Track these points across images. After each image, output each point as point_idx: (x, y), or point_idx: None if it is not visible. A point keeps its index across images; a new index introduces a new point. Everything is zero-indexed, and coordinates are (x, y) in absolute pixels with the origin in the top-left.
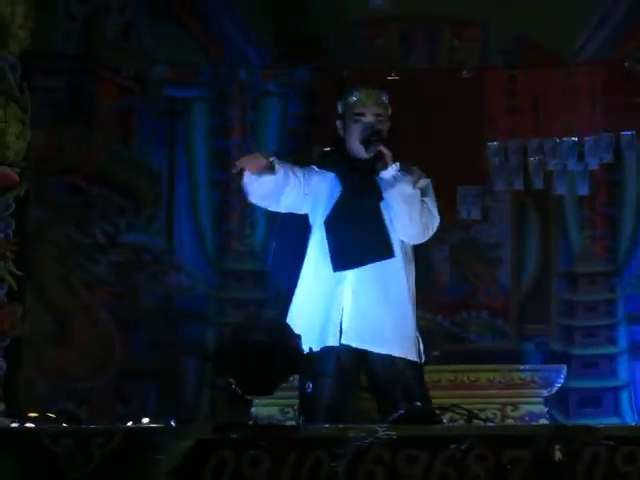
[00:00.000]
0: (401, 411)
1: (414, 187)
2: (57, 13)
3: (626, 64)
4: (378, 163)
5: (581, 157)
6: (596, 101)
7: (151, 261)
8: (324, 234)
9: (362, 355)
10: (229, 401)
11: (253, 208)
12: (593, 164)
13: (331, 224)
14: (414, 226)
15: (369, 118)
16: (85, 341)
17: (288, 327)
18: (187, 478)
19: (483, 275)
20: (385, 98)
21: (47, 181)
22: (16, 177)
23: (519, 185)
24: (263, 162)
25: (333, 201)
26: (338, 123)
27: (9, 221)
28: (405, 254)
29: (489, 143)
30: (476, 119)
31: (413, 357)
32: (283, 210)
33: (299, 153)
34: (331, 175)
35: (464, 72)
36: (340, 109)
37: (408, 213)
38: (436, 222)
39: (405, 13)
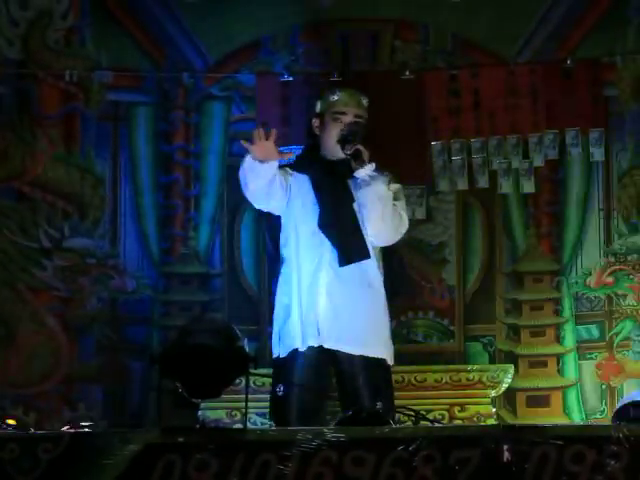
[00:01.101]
0: (349, 412)
1: (388, 188)
2: None
3: (567, 63)
4: (356, 161)
5: (525, 155)
6: (538, 100)
7: (96, 265)
8: (297, 234)
9: (332, 356)
10: (175, 404)
11: (196, 211)
12: (538, 161)
13: (323, 225)
14: (386, 226)
15: (349, 118)
16: (32, 346)
17: (233, 329)
18: None
19: (428, 275)
20: (365, 100)
21: None
22: None
23: (463, 185)
24: (274, 152)
25: (306, 203)
26: (314, 121)
27: None
28: (376, 256)
29: (432, 143)
30: (419, 119)
31: (386, 357)
32: (266, 209)
33: None
34: (304, 177)
35: (406, 73)
36: (319, 107)
37: (381, 212)
38: (404, 227)
39: (345, 15)
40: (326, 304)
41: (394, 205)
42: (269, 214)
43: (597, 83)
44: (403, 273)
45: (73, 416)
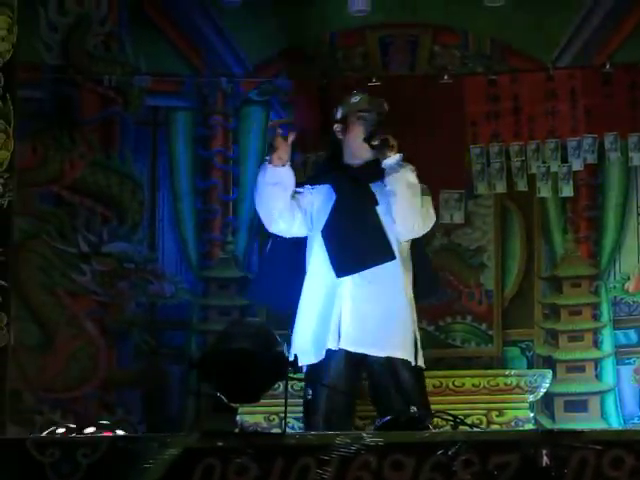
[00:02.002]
0: (388, 417)
1: (416, 177)
2: (38, 24)
3: (606, 68)
4: (384, 149)
5: (564, 159)
6: (577, 104)
7: (134, 270)
8: (322, 244)
9: (361, 359)
10: (214, 409)
11: (234, 216)
12: (577, 165)
13: (328, 232)
14: (414, 215)
15: (373, 117)
16: (70, 351)
17: (272, 333)
18: None
19: (466, 280)
20: (387, 106)
21: (31, 191)
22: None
23: (502, 188)
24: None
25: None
26: (336, 127)
27: None
28: (402, 257)
29: (471, 147)
30: (457, 124)
31: (412, 359)
32: (277, 230)
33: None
34: (325, 187)
35: (445, 77)
36: (340, 112)
37: (410, 200)
38: (432, 221)
39: (384, 21)
40: (350, 307)
41: (422, 195)
42: None
43: (636, 87)
44: (441, 277)
45: (111, 420)
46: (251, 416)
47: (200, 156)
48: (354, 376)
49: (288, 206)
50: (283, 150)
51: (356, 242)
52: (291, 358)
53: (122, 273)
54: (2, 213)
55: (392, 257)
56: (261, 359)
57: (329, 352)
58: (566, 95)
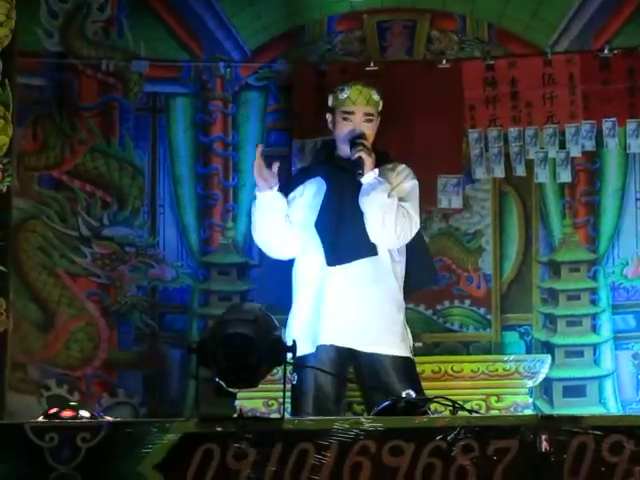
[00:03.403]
0: (386, 402)
1: (390, 195)
2: (38, 10)
3: (604, 53)
4: (356, 169)
5: (562, 145)
6: (575, 90)
7: (135, 254)
8: (314, 235)
9: (349, 352)
10: (213, 393)
11: (235, 202)
12: (575, 152)
13: (320, 224)
14: (387, 233)
15: (358, 118)
16: (71, 331)
17: (271, 318)
18: (173, 471)
19: (465, 264)
20: (376, 96)
21: (31, 176)
22: None
23: (500, 173)
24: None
25: (317, 204)
26: (328, 116)
27: None
28: (391, 251)
29: (469, 131)
30: (455, 109)
31: (401, 353)
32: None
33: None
34: (317, 178)
35: (443, 62)
36: (330, 102)
37: (381, 220)
38: (415, 228)
39: (382, 5)
40: (336, 301)
41: (401, 207)
42: None
43: (634, 73)
44: (439, 262)
45: (112, 402)
46: (250, 401)
47: (200, 142)
48: (342, 367)
49: (286, 230)
50: (266, 173)
51: (344, 234)
52: (289, 343)
53: (123, 257)
54: (1, 198)
55: (374, 252)
56: (260, 344)
57: (319, 346)
58: (564, 80)
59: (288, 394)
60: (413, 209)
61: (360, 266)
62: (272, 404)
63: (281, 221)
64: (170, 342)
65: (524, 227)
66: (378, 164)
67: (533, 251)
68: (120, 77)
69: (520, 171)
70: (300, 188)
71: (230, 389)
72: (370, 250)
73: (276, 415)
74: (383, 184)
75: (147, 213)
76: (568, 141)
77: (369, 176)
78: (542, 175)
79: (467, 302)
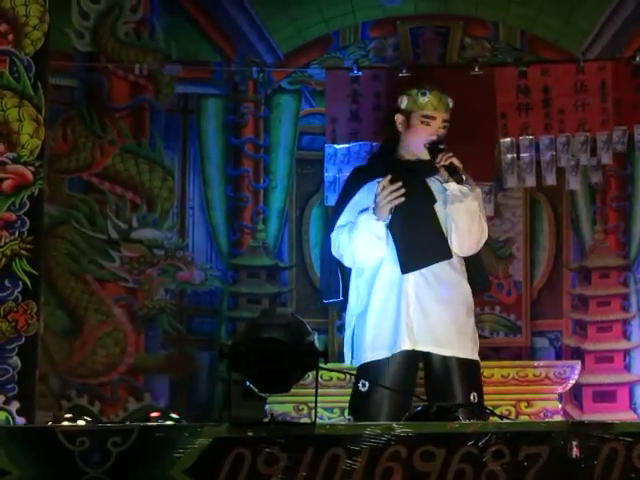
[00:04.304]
0: (419, 408)
1: (478, 204)
2: (69, 11)
3: (636, 60)
4: (452, 175)
5: (593, 152)
6: (607, 97)
7: (164, 256)
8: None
9: (424, 357)
10: (244, 398)
11: (265, 204)
12: (606, 159)
13: (392, 230)
14: (471, 241)
15: (437, 123)
16: (98, 336)
17: (303, 323)
18: (204, 476)
19: (495, 271)
20: (452, 104)
21: (61, 179)
22: (30, 176)
23: (531, 182)
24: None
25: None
26: (398, 117)
27: (24, 220)
28: (459, 255)
29: (501, 140)
30: (488, 116)
31: (471, 356)
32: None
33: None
34: (380, 180)
35: (475, 69)
36: (404, 104)
37: (469, 228)
38: (485, 237)
39: (415, 12)
40: (416, 306)
41: (479, 218)
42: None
43: None
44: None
45: (138, 407)
46: (280, 405)
47: (231, 144)
48: (414, 374)
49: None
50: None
51: (417, 239)
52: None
53: (151, 260)
54: (33, 201)
55: (450, 255)
56: (292, 349)
57: (401, 351)
58: (596, 88)
59: (319, 399)
60: (483, 217)
61: (435, 269)
62: (302, 409)
63: (385, 245)
64: (198, 345)
65: (555, 234)
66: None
67: (564, 258)
68: (151, 78)
69: (550, 180)
70: (364, 190)
71: (261, 394)
72: (445, 254)
73: (306, 420)
74: (472, 192)
75: (176, 215)
76: (600, 148)
77: (459, 185)
78: (573, 182)
79: (497, 309)
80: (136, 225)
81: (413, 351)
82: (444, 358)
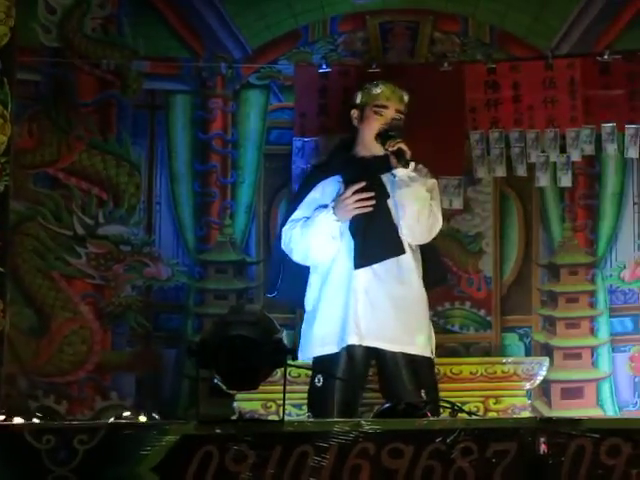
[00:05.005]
0: (387, 404)
1: (427, 190)
2: (36, 6)
3: (604, 57)
4: (398, 160)
5: (562, 149)
6: (576, 94)
7: (130, 253)
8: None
9: (373, 352)
10: (211, 395)
11: (233, 199)
12: (575, 156)
13: (348, 226)
14: (420, 227)
15: (391, 113)
16: (65, 335)
17: (272, 321)
18: (172, 474)
19: (465, 266)
20: (406, 97)
21: (26, 174)
22: None
23: (502, 172)
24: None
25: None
26: (353, 112)
27: None
28: (413, 251)
29: (471, 132)
30: (457, 111)
31: (425, 353)
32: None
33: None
34: (336, 178)
35: (445, 65)
36: (359, 99)
37: (417, 214)
38: (439, 226)
39: (385, 7)
40: (365, 302)
41: (430, 205)
42: None
43: (635, 78)
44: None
45: (105, 405)
46: (248, 403)
47: (199, 139)
48: (365, 367)
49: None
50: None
51: (370, 235)
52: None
53: (118, 256)
54: None
55: (402, 251)
56: (261, 346)
57: (348, 345)
58: (565, 85)
59: (287, 395)
60: (437, 207)
61: (387, 266)
62: (270, 406)
63: (338, 244)
64: (165, 342)
65: (524, 230)
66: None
67: (533, 254)
68: (119, 74)
69: (521, 171)
70: (319, 188)
71: (230, 391)
72: (397, 250)
73: (274, 417)
74: (420, 177)
75: (143, 211)
76: (569, 145)
77: (407, 170)
78: (543, 179)
79: (467, 304)
80: (102, 221)
81: (361, 347)
82: (394, 354)
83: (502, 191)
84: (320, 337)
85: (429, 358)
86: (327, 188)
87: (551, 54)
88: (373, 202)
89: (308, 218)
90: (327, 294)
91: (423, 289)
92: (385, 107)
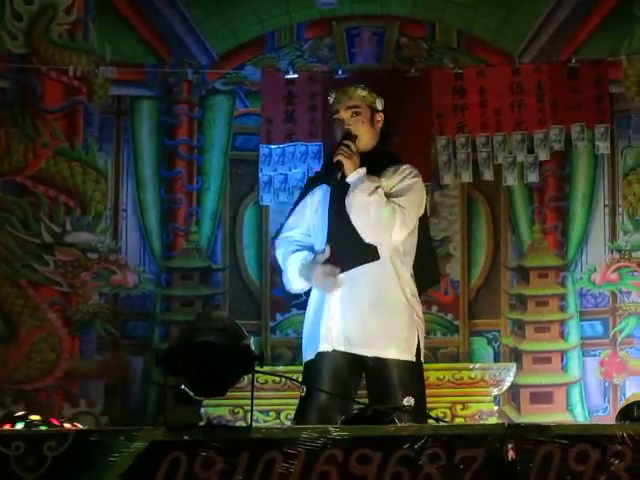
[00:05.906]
0: (355, 411)
1: (372, 193)
2: (2, 13)
3: (572, 62)
4: (334, 174)
5: (530, 150)
6: (544, 97)
7: (97, 260)
8: (321, 242)
9: (356, 358)
10: (178, 401)
11: (198, 205)
12: (543, 156)
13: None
14: (371, 231)
15: (343, 114)
16: (33, 342)
17: (239, 327)
18: None
19: None
20: (362, 91)
21: None
22: None
23: (468, 178)
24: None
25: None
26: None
27: None
28: (397, 254)
29: (437, 138)
30: (424, 117)
31: (404, 357)
32: None
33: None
34: (322, 186)
35: (412, 71)
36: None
37: (364, 219)
38: (410, 221)
39: (352, 12)
40: (339, 309)
41: (391, 203)
42: None
43: (602, 81)
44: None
45: (74, 412)
46: (216, 409)
47: (165, 145)
48: (350, 376)
49: None
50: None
51: (344, 242)
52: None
53: (85, 263)
54: None
55: (375, 257)
56: (228, 353)
57: (323, 353)
58: (532, 89)
59: (256, 401)
60: (406, 203)
61: (361, 272)
62: (238, 412)
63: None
64: (132, 350)
65: (492, 233)
66: (385, 165)
67: (502, 257)
68: (85, 80)
69: (488, 175)
70: (307, 198)
71: (197, 397)
72: (370, 256)
73: (242, 423)
74: (364, 183)
75: (110, 218)
76: (536, 146)
77: (353, 177)
78: (510, 178)
79: (434, 308)
80: (70, 228)
81: (345, 353)
82: (376, 360)
83: (469, 194)
84: (304, 343)
85: (412, 362)
86: (315, 196)
87: (518, 59)
88: (336, 280)
89: (286, 255)
90: (312, 300)
91: (402, 293)
92: (337, 112)
